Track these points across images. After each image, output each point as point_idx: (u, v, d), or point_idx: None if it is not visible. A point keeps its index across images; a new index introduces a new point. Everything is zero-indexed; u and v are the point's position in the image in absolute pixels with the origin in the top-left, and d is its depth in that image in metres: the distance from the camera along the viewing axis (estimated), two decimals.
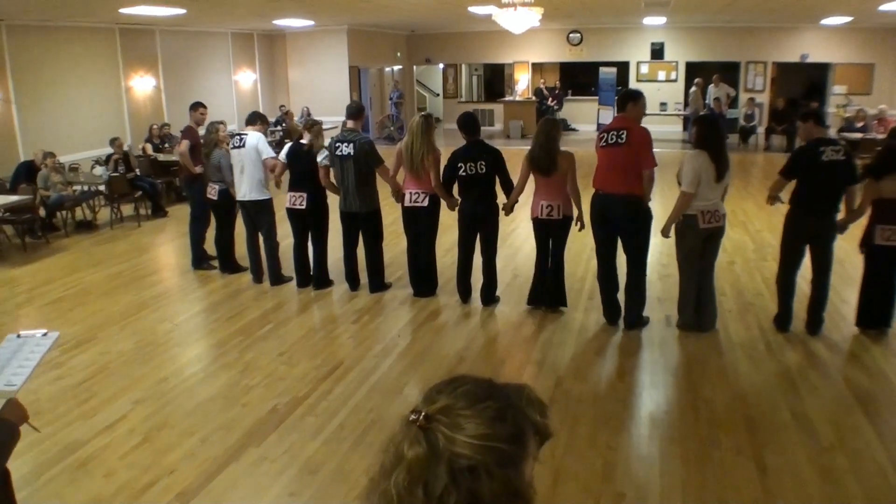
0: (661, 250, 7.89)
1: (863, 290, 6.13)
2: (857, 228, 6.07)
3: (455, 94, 23.49)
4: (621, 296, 6.40)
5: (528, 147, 6.46)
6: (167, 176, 12.49)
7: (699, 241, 5.97)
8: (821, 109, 19.83)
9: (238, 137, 7.45)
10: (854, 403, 4.91)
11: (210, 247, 8.34)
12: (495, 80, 24.76)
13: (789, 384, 5.24)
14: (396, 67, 22.16)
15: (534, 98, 21.15)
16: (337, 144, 6.97)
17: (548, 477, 4.07)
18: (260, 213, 7.51)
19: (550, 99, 21.08)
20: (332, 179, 7.18)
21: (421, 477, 1.08)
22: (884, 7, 13.40)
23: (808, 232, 5.98)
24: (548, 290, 6.69)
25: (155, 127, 13.40)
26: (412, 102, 23.30)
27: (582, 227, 6.43)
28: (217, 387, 5.36)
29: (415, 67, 23.49)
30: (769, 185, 6.19)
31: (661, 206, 7.87)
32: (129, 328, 6.58)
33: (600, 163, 6.05)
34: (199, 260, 8.34)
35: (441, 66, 23.50)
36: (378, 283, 7.42)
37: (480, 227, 6.81)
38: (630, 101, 6.06)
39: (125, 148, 11.88)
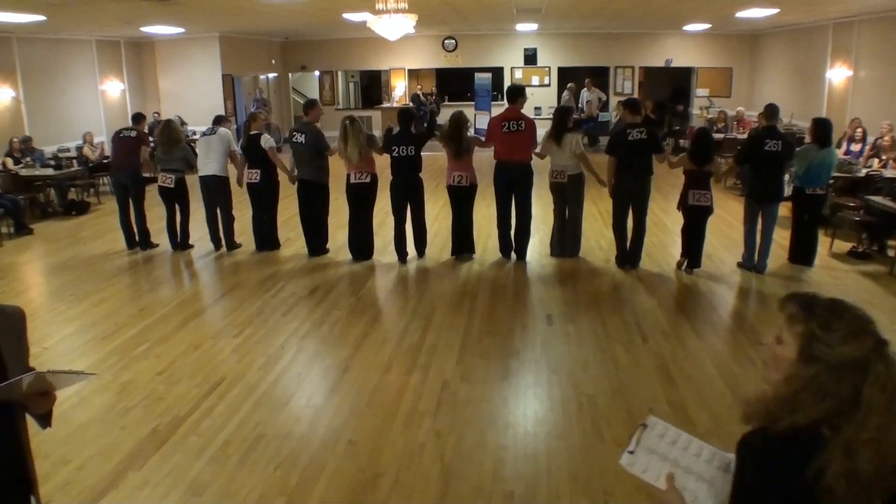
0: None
1: (683, 241, 8.15)
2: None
3: (332, 101, 23.26)
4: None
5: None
6: (30, 191, 11.87)
7: (555, 190, 8.54)
8: (686, 111, 20.78)
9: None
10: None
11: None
12: (372, 87, 24.70)
13: (664, 374, 5.47)
14: (272, 75, 21.79)
15: (411, 104, 21.21)
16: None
17: (438, 479, 4.10)
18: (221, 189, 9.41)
19: (428, 105, 21.21)
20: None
21: None
22: (740, 14, 14.19)
23: (627, 191, 8.02)
24: (461, 239, 8.75)
25: (16, 141, 12.60)
26: (289, 110, 22.94)
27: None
28: (92, 411, 5.08)
29: (290, 75, 23.12)
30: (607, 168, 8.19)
31: None
32: None
33: (503, 142, 8.25)
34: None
35: (317, 73, 23.26)
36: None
37: (410, 198, 8.51)
38: (520, 95, 8.43)
39: None
